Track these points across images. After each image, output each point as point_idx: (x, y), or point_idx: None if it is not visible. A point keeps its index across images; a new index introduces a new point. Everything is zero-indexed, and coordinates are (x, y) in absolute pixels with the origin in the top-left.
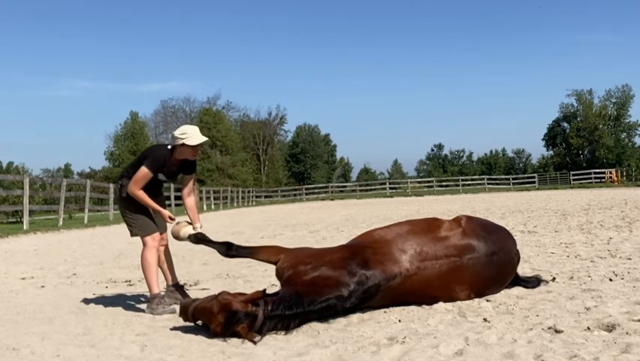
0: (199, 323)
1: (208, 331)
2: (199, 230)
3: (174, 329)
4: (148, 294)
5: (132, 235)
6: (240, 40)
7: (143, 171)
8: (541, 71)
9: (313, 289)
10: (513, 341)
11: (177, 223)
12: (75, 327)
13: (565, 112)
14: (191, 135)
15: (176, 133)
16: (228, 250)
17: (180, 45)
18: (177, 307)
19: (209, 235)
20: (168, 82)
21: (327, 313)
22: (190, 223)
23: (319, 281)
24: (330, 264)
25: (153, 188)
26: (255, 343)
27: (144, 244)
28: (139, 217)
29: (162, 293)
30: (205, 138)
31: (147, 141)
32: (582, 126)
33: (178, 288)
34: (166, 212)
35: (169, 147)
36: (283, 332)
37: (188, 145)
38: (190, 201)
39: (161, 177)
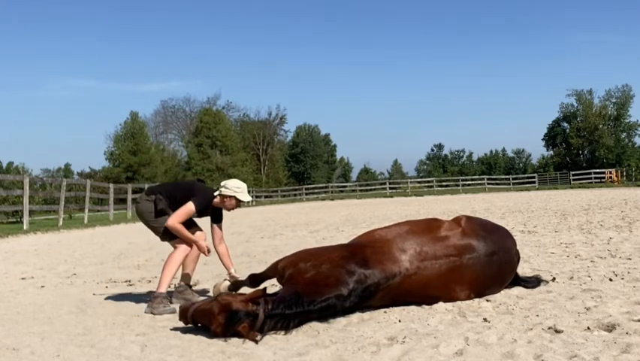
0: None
1: (209, 332)
2: (234, 274)
3: (174, 329)
4: (148, 294)
5: (165, 240)
6: (240, 40)
7: (189, 209)
8: (541, 71)
9: (313, 289)
10: (513, 341)
11: (215, 285)
12: (75, 327)
13: (565, 112)
14: (244, 192)
15: (230, 185)
16: (252, 282)
17: (180, 45)
18: (174, 308)
19: (210, 235)
20: (168, 82)
21: (327, 313)
22: (226, 279)
23: (319, 280)
24: (329, 263)
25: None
26: (256, 342)
27: (177, 246)
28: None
29: (165, 294)
30: (250, 198)
31: (147, 141)
32: (582, 126)
33: (188, 288)
34: (203, 244)
35: (216, 193)
36: (283, 332)
37: (238, 199)
38: (222, 248)
39: (195, 214)
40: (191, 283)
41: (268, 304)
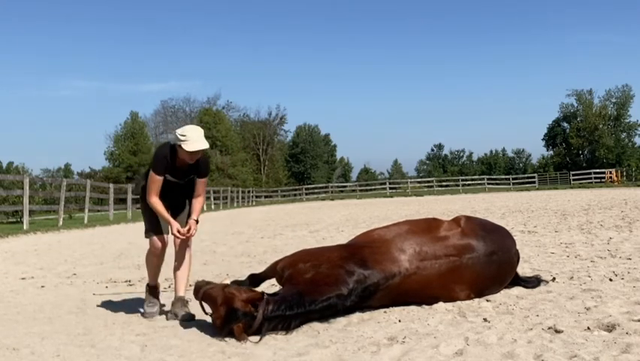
0: (207, 310)
1: (208, 330)
2: (193, 222)
3: (174, 329)
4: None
5: (145, 235)
6: (240, 40)
7: (151, 177)
8: (541, 71)
9: (314, 288)
10: (513, 341)
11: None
12: (75, 327)
13: (565, 112)
14: (191, 140)
15: (178, 132)
16: (252, 282)
17: (180, 45)
18: (157, 315)
19: (210, 235)
20: (168, 82)
21: (328, 313)
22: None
23: (319, 280)
24: (328, 263)
25: (171, 192)
26: (243, 343)
27: (149, 245)
28: (145, 216)
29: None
30: (204, 146)
31: (147, 141)
32: (582, 126)
33: (180, 301)
34: (175, 224)
35: (171, 142)
36: (284, 332)
37: (184, 149)
38: (196, 200)
39: (169, 177)
40: (192, 283)
41: (269, 305)
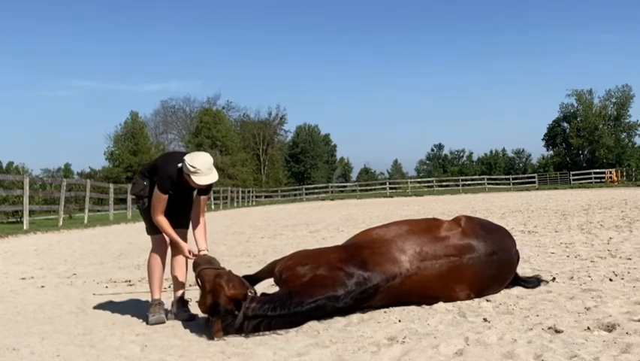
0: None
1: (208, 330)
2: (204, 252)
3: (174, 329)
4: (148, 294)
5: (147, 232)
6: (240, 40)
7: (156, 196)
8: (541, 71)
9: (306, 290)
10: (513, 341)
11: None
12: (75, 327)
13: (565, 112)
14: (201, 173)
15: (187, 162)
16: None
17: (180, 45)
18: (164, 318)
19: (209, 235)
20: (168, 82)
21: (317, 314)
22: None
23: (316, 281)
24: (327, 265)
25: (169, 201)
26: (216, 339)
27: (152, 244)
28: (144, 216)
29: (159, 300)
30: (213, 180)
31: (147, 141)
32: (582, 126)
33: (179, 302)
34: (185, 246)
35: (179, 165)
36: (283, 332)
37: (193, 180)
38: (199, 223)
39: (172, 192)
40: (191, 283)
41: (252, 303)
